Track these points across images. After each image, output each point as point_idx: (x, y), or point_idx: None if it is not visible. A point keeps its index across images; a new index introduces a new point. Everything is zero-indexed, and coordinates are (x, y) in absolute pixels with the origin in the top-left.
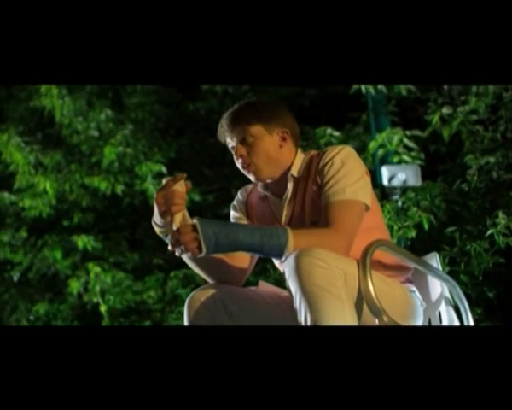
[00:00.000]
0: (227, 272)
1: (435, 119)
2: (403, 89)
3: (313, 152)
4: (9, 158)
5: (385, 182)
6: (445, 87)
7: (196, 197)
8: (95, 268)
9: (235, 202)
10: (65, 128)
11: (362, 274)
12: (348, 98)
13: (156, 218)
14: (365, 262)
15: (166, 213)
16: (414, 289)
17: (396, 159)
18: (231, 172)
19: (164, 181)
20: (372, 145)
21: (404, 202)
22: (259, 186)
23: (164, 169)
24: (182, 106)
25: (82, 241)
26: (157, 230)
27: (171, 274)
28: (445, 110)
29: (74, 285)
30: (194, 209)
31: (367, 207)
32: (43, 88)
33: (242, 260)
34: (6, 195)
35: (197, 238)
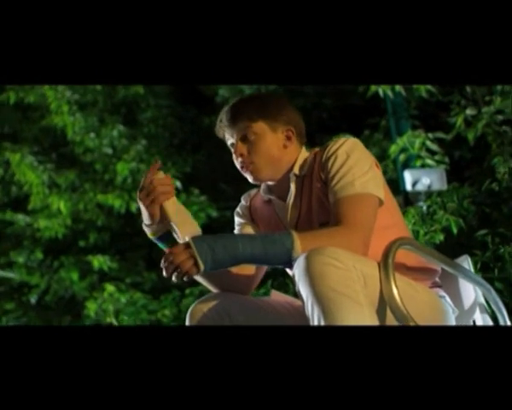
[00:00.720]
0: (232, 279)
1: (459, 121)
2: (422, 90)
3: (317, 149)
4: (23, 178)
5: (408, 187)
6: (468, 88)
7: (214, 213)
8: (110, 288)
9: (238, 209)
10: (77, 146)
11: (384, 276)
12: (366, 106)
13: (144, 217)
14: (388, 262)
15: (154, 204)
16: (444, 294)
17: (419, 163)
18: (249, 188)
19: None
20: (393, 149)
21: (429, 206)
22: (262, 190)
23: (178, 184)
24: (197, 120)
25: (98, 261)
26: (148, 232)
27: (187, 291)
28: (469, 111)
29: (91, 307)
30: (211, 226)
31: (380, 202)
32: (54, 105)
33: (249, 266)
34: (20, 216)
35: (192, 255)
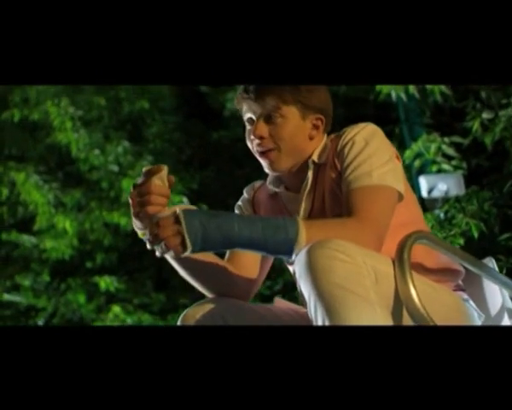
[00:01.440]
0: (230, 282)
1: (475, 125)
2: (437, 93)
3: (334, 135)
4: (28, 198)
5: (424, 194)
6: (483, 93)
7: None
8: (116, 309)
9: (240, 202)
10: (82, 163)
11: (399, 273)
12: (379, 115)
13: (134, 219)
14: (403, 257)
15: (141, 215)
16: (467, 298)
17: (435, 168)
18: None
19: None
20: (407, 155)
21: (447, 211)
22: (269, 182)
23: (185, 200)
24: (205, 135)
25: (105, 282)
26: (138, 232)
27: None
28: (486, 115)
29: None
30: None
31: (400, 197)
32: (57, 121)
33: (249, 267)
34: (26, 237)
35: (180, 232)
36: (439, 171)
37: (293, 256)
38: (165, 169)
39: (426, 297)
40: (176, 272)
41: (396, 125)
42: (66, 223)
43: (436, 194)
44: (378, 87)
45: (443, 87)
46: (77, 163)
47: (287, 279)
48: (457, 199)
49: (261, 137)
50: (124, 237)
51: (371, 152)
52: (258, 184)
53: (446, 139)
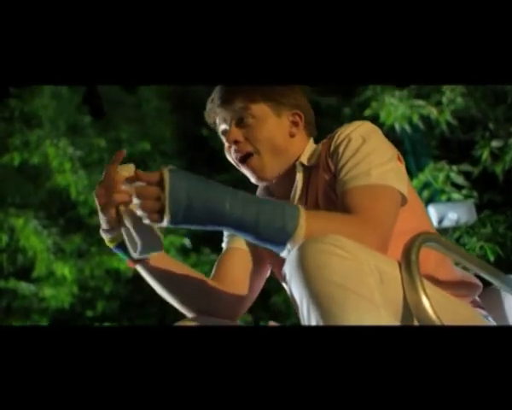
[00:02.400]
0: (214, 298)
1: (485, 154)
2: (442, 122)
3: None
4: (27, 244)
5: (434, 224)
6: (491, 124)
7: None
8: None
9: None
10: (82, 207)
11: (407, 276)
12: None
13: (100, 220)
14: (410, 259)
15: (108, 206)
16: (486, 314)
17: (444, 197)
18: None
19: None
20: (414, 185)
21: (459, 237)
22: (259, 194)
23: (187, 242)
24: (208, 178)
25: None
26: (106, 239)
27: None
28: (495, 144)
29: None
30: None
31: (403, 200)
32: (55, 162)
33: (238, 283)
34: (25, 285)
35: (161, 198)
36: (449, 200)
37: (285, 251)
38: (132, 166)
39: (440, 308)
40: (179, 319)
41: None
42: (65, 270)
43: (447, 223)
44: (381, 119)
45: (448, 117)
46: (77, 207)
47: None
48: (471, 227)
49: (236, 142)
50: (125, 283)
51: (369, 150)
52: None
53: (454, 168)
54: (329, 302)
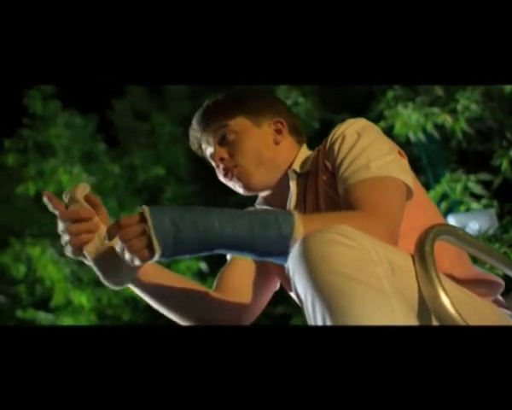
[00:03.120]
0: (216, 309)
1: (504, 164)
2: (458, 131)
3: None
4: (44, 273)
5: None
6: (508, 133)
7: None
8: None
9: None
10: None
11: (421, 269)
12: None
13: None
14: (424, 250)
15: (69, 253)
16: (510, 312)
17: (463, 208)
18: None
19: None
20: (432, 196)
21: None
22: (258, 205)
23: (204, 266)
24: (222, 201)
25: None
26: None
27: None
28: None
29: None
30: None
31: (408, 191)
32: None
33: (242, 291)
34: (43, 314)
35: (146, 233)
36: (468, 210)
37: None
38: (79, 188)
39: (460, 305)
40: None
41: (418, 174)
42: (82, 298)
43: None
44: (396, 129)
45: (464, 125)
46: None
47: None
48: (493, 234)
49: (221, 159)
50: (142, 311)
51: (366, 144)
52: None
53: (472, 177)
54: (335, 294)
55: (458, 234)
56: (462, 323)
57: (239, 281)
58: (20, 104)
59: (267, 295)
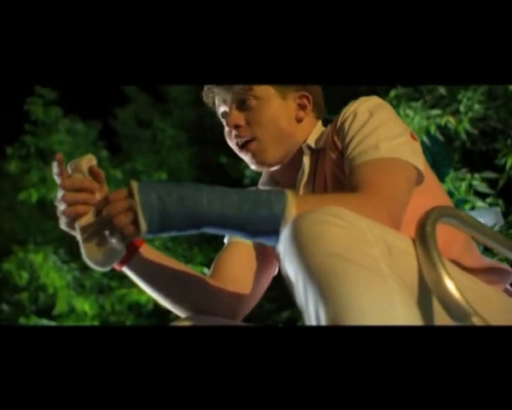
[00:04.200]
0: (212, 297)
1: (509, 162)
2: (461, 132)
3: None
4: (47, 280)
5: None
6: None
7: None
8: None
9: None
10: None
11: (423, 251)
12: None
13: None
14: (425, 231)
15: (61, 223)
16: None
17: (468, 207)
18: None
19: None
20: None
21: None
22: (262, 183)
23: (207, 271)
24: None
25: None
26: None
27: None
28: None
29: None
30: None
31: (419, 176)
32: None
33: (239, 279)
34: (45, 322)
35: (133, 208)
36: (473, 208)
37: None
38: (85, 159)
39: (465, 289)
40: None
41: None
42: (85, 305)
43: None
44: None
45: (468, 127)
46: None
47: None
48: (498, 232)
49: (237, 126)
50: (147, 317)
51: (377, 124)
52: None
53: (477, 175)
54: (327, 275)
55: (461, 216)
56: (467, 307)
57: (237, 267)
58: (21, 111)
59: (266, 281)
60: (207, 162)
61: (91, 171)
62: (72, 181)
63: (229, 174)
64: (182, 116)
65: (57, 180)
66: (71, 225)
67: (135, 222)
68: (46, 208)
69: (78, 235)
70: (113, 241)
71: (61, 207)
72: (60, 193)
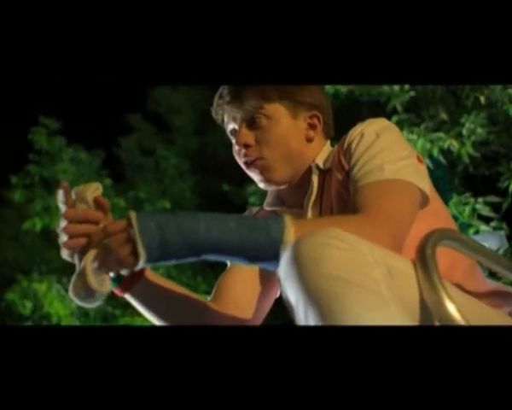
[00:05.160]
0: (214, 321)
1: None
2: (464, 155)
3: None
4: (51, 309)
5: None
6: None
7: None
8: None
9: None
10: None
11: (423, 273)
12: None
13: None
14: (425, 253)
15: (65, 255)
16: None
17: (472, 231)
18: None
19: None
20: None
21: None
22: (267, 203)
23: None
24: None
25: None
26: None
27: None
28: None
29: None
30: None
31: (424, 199)
32: None
33: (241, 302)
34: None
35: (131, 237)
36: (477, 232)
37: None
38: (90, 188)
39: (469, 314)
40: None
41: None
42: None
43: None
44: None
45: (470, 150)
46: None
47: None
48: (504, 254)
49: (246, 145)
50: None
51: (384, 145)
52: (255, 209)
53: (480, 199)
54: (328, 298)
55: (462, 239)
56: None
57: (239, 289)
58: (25, 140)
59: (268, 303)
60: (210, 190)
61: (96, 201)
62: (75, 212)
63: (233, 201)
64: (185, 145)
65: (61, 208)
66: (72, 255)
67: (134, 253)
68: (50, 237)
69: (77, 265)
70: (113, 273)
71: (63, 238)
72: (63, 223)
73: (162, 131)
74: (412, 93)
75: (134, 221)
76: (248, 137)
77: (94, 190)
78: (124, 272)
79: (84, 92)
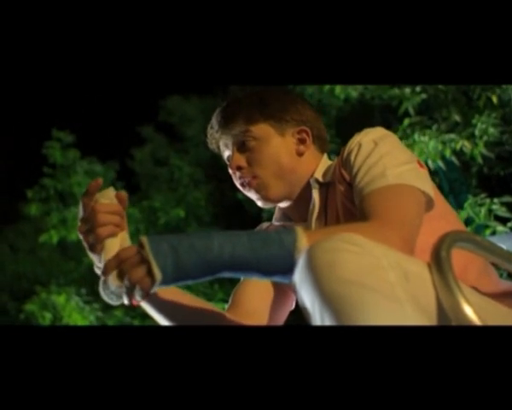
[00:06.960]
0: (234, 321)
1: None
2: (477, 155)
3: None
4: (70, 321)
5: None
6: None
7: None
8: None
9: None
10: None
11: (438, 275)
12: None
13: (93, 258)
14: (440, 256)
15: (95, 243)
16: None
17: (488, 232)
18: None
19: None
20: None
21: None
22: (275, 219)
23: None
24: None
25: None
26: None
27: None
28: None
29: None
30: None
31: (428, 201)
32: None
33: (257, 311)
34: None
35: (145, 260)
36: (494, 233)
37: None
38: (110, 189)
39: (486, 316)
40: None
41: None
42: None
43: None
44: None
45: (483, 150)
46: None
47: None
48: None
49: (239, 168)
50: None
51: (383, 152)
52: (265, 225)
53: (496, 200)
54: (344, 303)
55: (476, 240)
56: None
57: (254, 300)
58: (40, 155)
59: (283, 315)
60: (225, 199)
61: (118, 196)
62: (104, 205)
63: (247, 209)
64: (198, 154)
65: (87, 204)
66: (96, 248)
67: (149, 273)
68: (67, 250)
69: (100, 260)
70: (133, 296)
71: (89, 227)
72: (91, 214)
73: (175, 142)
74: (424, 95)
75: (146, 244)
76: (240, 160)
77: (111, 190)
78: (141, 294)
79: (97, 105)
